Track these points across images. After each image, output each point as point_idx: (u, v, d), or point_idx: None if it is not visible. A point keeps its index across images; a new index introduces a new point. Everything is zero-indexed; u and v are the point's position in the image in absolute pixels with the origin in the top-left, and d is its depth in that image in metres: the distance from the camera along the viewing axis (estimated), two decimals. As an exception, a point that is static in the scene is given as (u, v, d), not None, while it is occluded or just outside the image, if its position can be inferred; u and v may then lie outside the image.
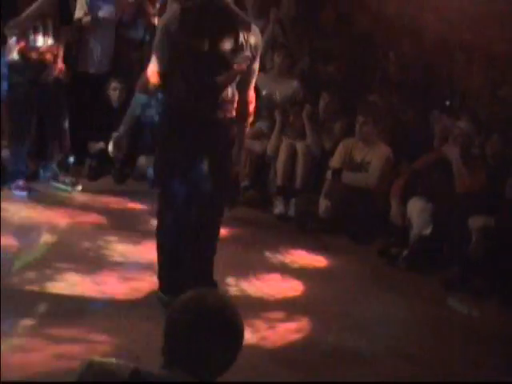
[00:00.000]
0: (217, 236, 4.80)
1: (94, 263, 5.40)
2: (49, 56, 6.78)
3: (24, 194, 6.77)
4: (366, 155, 6.81)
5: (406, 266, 6.04)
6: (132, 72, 7.54)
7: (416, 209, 6.22)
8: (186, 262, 4.62)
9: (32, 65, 6.72)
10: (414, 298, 5.54)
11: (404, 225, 6.31)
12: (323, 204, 6.77)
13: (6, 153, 7.03)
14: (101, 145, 7.36)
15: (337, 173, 6.76)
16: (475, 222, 5.86)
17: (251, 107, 4.70)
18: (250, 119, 4.77)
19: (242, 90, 4.61)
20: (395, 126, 7.52)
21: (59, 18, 6.84)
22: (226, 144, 4.64)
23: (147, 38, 8.01)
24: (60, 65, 6.95)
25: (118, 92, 7.53)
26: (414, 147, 7.04)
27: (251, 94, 4.68)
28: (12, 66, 6.77)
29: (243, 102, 4.63)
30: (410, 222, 6.26)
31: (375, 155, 6.78)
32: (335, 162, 6.89)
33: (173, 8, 4.58)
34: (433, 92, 7.96)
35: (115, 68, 7.89)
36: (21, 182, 6.81)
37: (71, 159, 7.48)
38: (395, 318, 5.22)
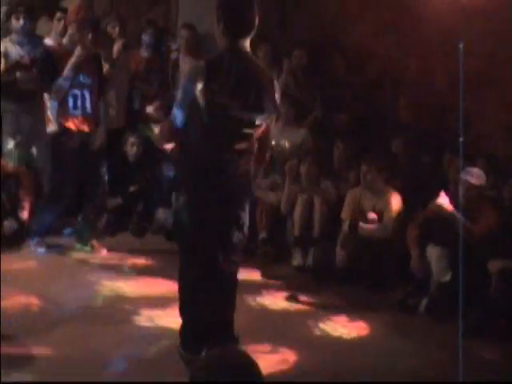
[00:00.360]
0: (235, 290, 4.76)
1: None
2: (89, 126, 6.82)
3: (43, 250, 6.82)
4: (375, 204, 6.85)
5: (428, 315, 5.99)
6: (147, 126, 7.67)
7: (433, 256, 6.20)
8: (206, 318, 4.58)
9: (73, 136, 6.77)
10: (433, 344, 5.51)
11: (425, 274, 6.26)
12: (340, 255, 6.79)
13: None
14: (118, 199, 7.43)
15: (353, 225, 6.79)
16: (494, 266, 5.86)
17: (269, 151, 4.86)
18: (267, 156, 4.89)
19: (264, 139, 4.67)
20: (410, 170, 7.56)
21: (98, 86, 6.91)
22: (244, 196, 4.64)
23: (161, 92, 8.16)
24: (102, 134, 6.98)
25: (135, 147, 7.58)
26: (429, 192, 7.05)
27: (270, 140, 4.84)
28: (53, 137, 6.85)
29: (263, 149, 4.69)
30: (429, 269, 6.25)
31: (386, 205, 6.81)
32: (345, 213, 6.92)
33: (198, 63, 4.54)
34: (446, 135, 8.00)
35: (131, 122, 7.99)
36: (40, 239, 6.86)
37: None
38: (416, 365, 5.19)
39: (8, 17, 7.53)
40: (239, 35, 4.44)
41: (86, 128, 6.80)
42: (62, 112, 6.74)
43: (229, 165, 4.46)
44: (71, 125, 6.75)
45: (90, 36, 6.77)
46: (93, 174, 6.95)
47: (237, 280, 4.74)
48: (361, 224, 6.82)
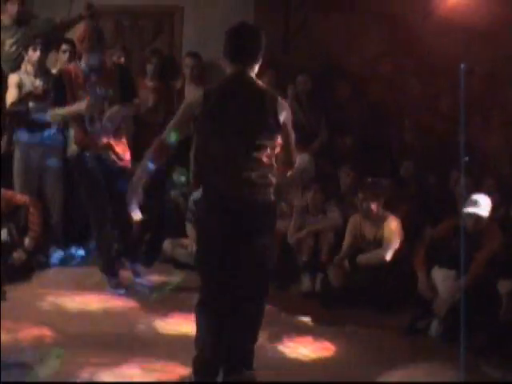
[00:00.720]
0: (259, 322, 4.63)
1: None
2: (111, 142, 6.50)
3: (123, 291, 6.62)
4: (376, 232, 6.87)
5: (439, 337, 5.98)
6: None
7: (439, 277, 6.20)
8: (223, 352, 4.53)
9: (94, 155, 6.51)
10: (446, 365, 5.49)
11: (433, 296, 6.24)
12: (335, 276, 6.81)
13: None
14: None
15: (351, 258, 6.82)
16: (503, 286, 5.85)
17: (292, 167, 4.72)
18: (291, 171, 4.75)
19: (286, 157, 4.60)
20: (417, 192, 7.57)
21: (122, 97, 6.58)
22: (264, 226, 4.51)
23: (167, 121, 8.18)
24: (127, 154, 6.65)
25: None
26: (437, 210, 7.06)
27: (293, 159, 4.66)
28: (74, 159, 6.63)
29: (285, 166, 4.63)
30: (436, 290, 6.24)
31: (385, 230, 6.83)
32: (347, 243, 6.96)
33: (196, 92, 4.58)
34: (452, 154, 8.00)
35: (136, 153, 8.00)
36: (118, 280, 6.68)
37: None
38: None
39: (25, 48, 7.62)
40: (243, 62, 4.47)
41: (107, 145, 6.49)
42: (80, 131, 6.51)
43: (243, 194, 4.40)
44: (90, 144, 6.48)
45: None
46: (119, 195, 6.34)
47: (261, 312, 4.62)
48: (359, 256, 6.85)
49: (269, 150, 4.45)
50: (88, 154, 6.53)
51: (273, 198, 4.50)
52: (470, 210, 6.15)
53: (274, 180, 4.49)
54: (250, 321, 4.57)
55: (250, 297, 4.52)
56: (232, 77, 4.50)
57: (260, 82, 4.53)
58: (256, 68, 4.54)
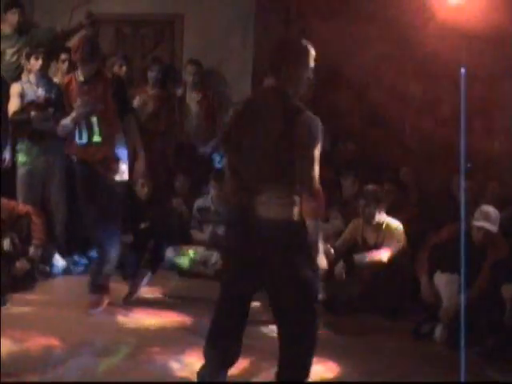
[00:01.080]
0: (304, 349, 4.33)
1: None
2: (100, 155, 6.23)
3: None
4: (377, 237, 6.87)
5: (444, 342, 5.97)
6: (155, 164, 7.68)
7: (442, 282, 6.20)
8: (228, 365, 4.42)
9: (84, 167, 6.34)
10: (451, 370, 5.47)
11: (436, 301, 6.25)
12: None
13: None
14: (129, 237, 7.45)
15: (348, 260, 6.80)
16: (507, 291, 5.84)
17: (317, 201, 4.10)
18: (318, 214, 4.13)
19: (301, 182, 4.11)
20: (419, 198, 7.58)
21: (114, 110, 6.29)
22: (286, 247, 4.14)
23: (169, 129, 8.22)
24: (121, 165, 6.31)
25: (146, 188, 7.58)
26: (439, 215, 7.06)
27: (314, 187, 4.09)
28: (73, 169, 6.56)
29: (306, 196, 4.10)
30: (439, 295, 6.24)
31: (386, 235, 6.82)
32: (344, 237, 6.98)
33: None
34: (454, 159, 8.01)
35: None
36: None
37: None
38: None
39: (26, 57, 7.64)
40: (273, 75, 4.29)
41: (95, 157, 6.24)
42: (69, 142, 6.40)
43: (262, 213, 4.15)
44: (78, 155, 6.33)
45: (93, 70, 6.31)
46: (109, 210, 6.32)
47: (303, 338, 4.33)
48: (357, 256, 6.82)
49: (289, 167, 4.09)
50: (76, 163, 6.42)
51: (296, 217, 4.12)
52: (480, 223, 6.13)
53: (297, 199, 4.12)
54: (293, 345, 4.29)
55: (289, 322, 4.29)
56: (258, 90, 4.42)
57: (288, 97, 4.28)
58: (294, 82, 4.36)
